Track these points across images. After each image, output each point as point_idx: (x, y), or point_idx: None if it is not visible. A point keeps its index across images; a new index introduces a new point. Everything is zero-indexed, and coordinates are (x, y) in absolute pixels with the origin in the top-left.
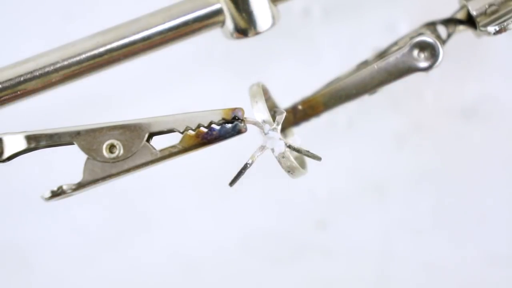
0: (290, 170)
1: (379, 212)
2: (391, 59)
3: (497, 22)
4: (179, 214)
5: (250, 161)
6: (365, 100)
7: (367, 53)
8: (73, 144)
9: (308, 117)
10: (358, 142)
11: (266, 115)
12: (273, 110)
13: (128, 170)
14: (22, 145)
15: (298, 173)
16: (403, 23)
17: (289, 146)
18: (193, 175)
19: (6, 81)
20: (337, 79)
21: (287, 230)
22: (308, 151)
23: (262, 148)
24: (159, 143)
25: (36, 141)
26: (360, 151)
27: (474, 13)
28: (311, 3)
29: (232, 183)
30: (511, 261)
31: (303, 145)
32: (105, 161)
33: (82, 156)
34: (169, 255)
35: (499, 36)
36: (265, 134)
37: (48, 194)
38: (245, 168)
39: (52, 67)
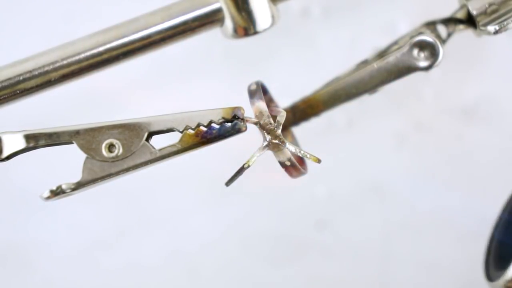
0: (290, 170)
1: (379, 212)
2: (391, 58)
3: (497, 22)
4: (179, 214)
5: (248, 162)
6: (365, 100)
7: (367, 53)
8: (72, 143)
9: (308, 116)
10: (358, 142)
11: (266, 114)
12: (270, 108)
13: (127, 170)
14: (21, 144)
15: (297, 173)
16: (403, 23)
17: (289, 147)
18: (193, 175)
19: (5, 80)
20: (337, 79)
21: (287, 230)
22: (308, 153)
23: (262, 148)
24: (159, 142)
25: (35, 140)
26: (360, 151)
27: (474, 12)
28: (310, 2)
29: (228, 182)
30: None
31: (302, 146)
32: (104, 160)
33: (81, 155)
34: (169, 255)
35: (499, 35)
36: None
37: (47, 194)
38: (242, 169)
39: (51, 66)
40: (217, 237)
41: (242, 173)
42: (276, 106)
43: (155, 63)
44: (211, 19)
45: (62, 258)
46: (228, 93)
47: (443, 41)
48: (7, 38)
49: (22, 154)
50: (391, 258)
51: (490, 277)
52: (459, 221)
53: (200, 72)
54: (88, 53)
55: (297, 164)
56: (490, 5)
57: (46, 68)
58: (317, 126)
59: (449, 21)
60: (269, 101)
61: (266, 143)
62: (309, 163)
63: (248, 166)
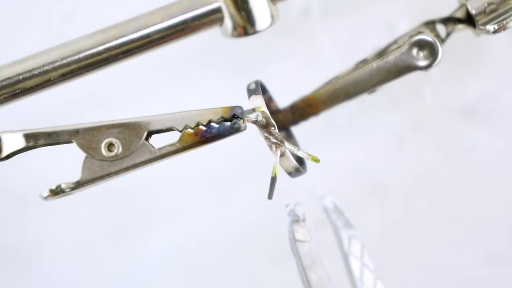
0: (290, 170)
1: (379, 211)
2: (390, 57)
3: (496, 21)
4: (180, 214)
5: (275, 171)
6: (364, 99)
7: (366, 52)
8: (71, 142)
9: (307, 116)
10: (358, 141)
11: (266, 113)
12: (269, 107)
13: (126, 169)
14: (21, 143)
15: (297, 173)
16: (402, 22)
17: (288, 146)
18: (193, 175)
19: (5, 79)
20: (336, 78)
21: (287, 229)
22: (307, 153)
23: (276, 152)
24: (158, 141)
25: (34, 140)
26: (359, 150)
27: (473, 11)
28: (310, 2)
29: (270, 195)
30: (510, 261)
31: (302, 145)
32: (104, 159)
33: (81, 155)
34: (169, 254)
35: (498, 35)
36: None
37: (47, 193)
38: (273, 179)
39: (51, 66)
40: (217, 237)
41: (275, 183)
42: (276, 105)
43: (155, 63)
44: (211, 18)
45: (62, 258)
46: (227, 93)
47: (442, 41)
48: (6, 38)
49: (22, 153)
50: (391, 258)
51: None
52: (458, 221)
53: (200, 72)
54: (87, 53)
55: (296, 163)
56: (489, 4)
57: (46, 68)
58: (316, 125)
59: (448, 21)
60: (269, 100)
61: (273, 145)
62: (309, 162)
63: (275, 175)
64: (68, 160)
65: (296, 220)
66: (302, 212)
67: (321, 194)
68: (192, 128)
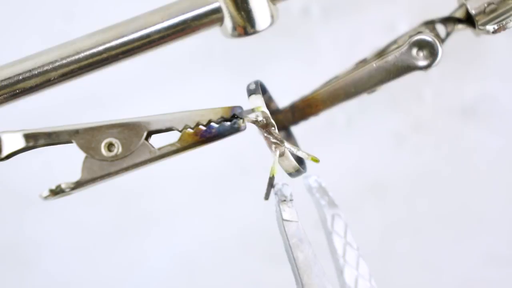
0: (290, 170)
1: (379, 212)
2: (390, 57)
3: (496, 21)
4: (180, 214)
5: (273, 172)
6: (364, 99)
7: (366, 52)
8: (71, 142)
9: (307, 116)
10: (358, 141)
11: (266, 113)
12: (269, 107)
13: (126, 169)
14: (21, 143)
15: (297, 173)
16: (402, 22)
17: (288, 146)
18: (193, 175)
19: (5, 79)
20: (336, 78)
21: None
22: (306, 153)
23: (275, 152)
24: (158, 141)
25: (34, 140)
26: (359, 150)
27: (473, 11)
28: (310, 2)
29: (266, 196)
30: (511, 261)
31: (302, 145)
32: (104, 159)
33: (81, 155)
34: (169, 254)
35: (498, 35)
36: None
37: (47, 193)
38: (271, 179)
39: (51, 66)
40: (218, 237)
41: (272, 183)
42: (276, 105)
43: (155, 63)
44: (211, 18)
45: (62, 257)
46: (227, 93)
47: (442, 41)
48: (6, 38)
49: (22, 153)
50: (391, 258)
51: None
52: (459, 221)
53: (200, 72)
54: (87, 53)
55: (296, 163)
56: (488, 4)
57: (46, 68)
58: (316, 125)
59: (448, 21)
60: (269, 100)
61: (273, 145)
62: (309, 162)
63: (273, 175)
64: (68, 160)
65: (283, 200)
66: (290, 192)
67: (306, 174)
68: (192, 128)
